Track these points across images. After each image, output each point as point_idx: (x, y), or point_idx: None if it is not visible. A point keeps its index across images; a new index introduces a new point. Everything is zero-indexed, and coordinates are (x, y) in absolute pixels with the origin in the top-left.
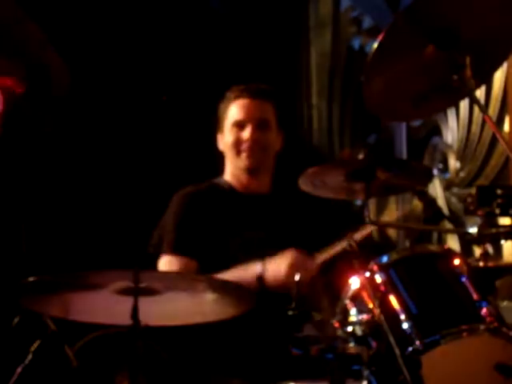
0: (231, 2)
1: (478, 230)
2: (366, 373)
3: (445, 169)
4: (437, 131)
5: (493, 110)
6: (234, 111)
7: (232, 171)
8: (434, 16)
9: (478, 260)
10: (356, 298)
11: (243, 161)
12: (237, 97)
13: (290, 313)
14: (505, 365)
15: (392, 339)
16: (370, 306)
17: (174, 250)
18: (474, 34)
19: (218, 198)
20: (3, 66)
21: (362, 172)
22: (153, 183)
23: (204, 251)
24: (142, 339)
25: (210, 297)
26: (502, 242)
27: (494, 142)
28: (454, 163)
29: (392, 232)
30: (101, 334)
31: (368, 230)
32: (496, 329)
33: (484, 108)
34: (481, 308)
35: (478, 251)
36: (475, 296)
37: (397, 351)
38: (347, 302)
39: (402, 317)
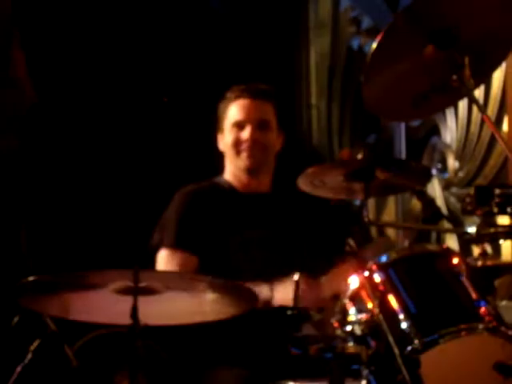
0: (231, 2)
1: (477, 230)
2: (365, 372)
3: (443, 169)
4: (436, 131)
5: (492, 109)
6: (233, 111)
7: (232, 171)
8: (433, 16)
9: (477, 259)
10: (355, 298)
11: (243, 161)
12: (237, 97)
13: (289, 312)
14: (504, 364)
15: (391, 338)
16: (369, 305)
17: (175, 245)
18: (473, 34)
19: (218, 197)
20: None
21: (361, 172)
22: (152, 183)
23: (204, 249)
24: (141, 339)
25: (209, 296)
26: (501, 241)
27: (492, 141)
28: (452, 163)
29: (391, 232)
30: (100, 334)
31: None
32: (495, 328)
33: (483, 108)
34: (479, 307)
35: (476, 251)
36: (474, 295)
37: (396, 350)
38: (346, 301)
39: (401, 316)
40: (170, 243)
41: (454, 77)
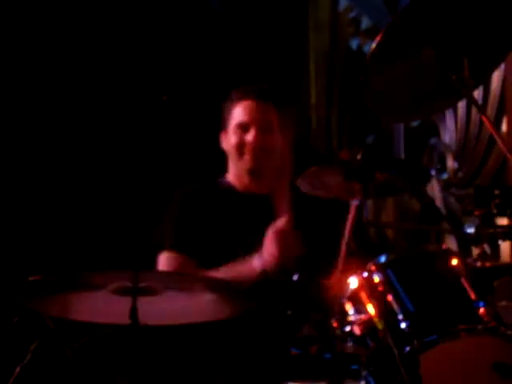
0: (230, 2)
1: (476, 230)
2: (364, 372)
3: (443, 169)
4: (435, 132)
5: (491, 110)
6: (238, 112)
7: (234, 171)
8: (432, 17)
9: (476, 260)
10: (354, 298)
11: (246, 163)
12: (242, 98)
13: (289, 312)
14: (503, 364)
15: (390, 339)
16: (368, 305)
17: (174, 247)
18: (472, 34)
19: (217, 198)
20: None
21: (359, 172)
22: (152, 183)
23: (203, 250)
24: (140, 339)
25: (208, 296)
26: (500, 242)
27: (491, 142)
28: (451, 163)
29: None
30: (100, 334)
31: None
32: (494, 328)
33: (482, 108)
34: (479, 308)
35: (475, 251)
36: (473, 296)
37: (395, 351)
38: (345, 301)
39: (400, 316)
40: (169, 245)
41: (454, 77)
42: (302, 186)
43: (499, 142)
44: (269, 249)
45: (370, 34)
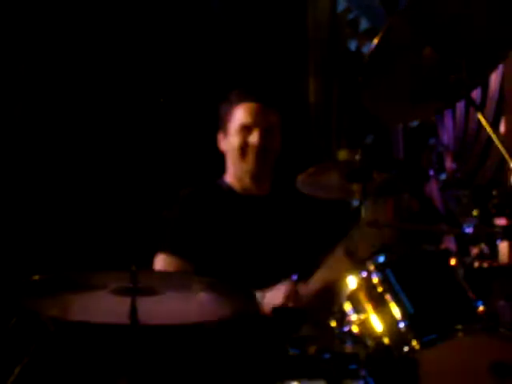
0: (230, 3)
1: (474, 231)
2: (362, 372)
3: (441, 169)
4: (434, 132)
5: (489, 110)
6: (240, 114)
7: (234, 173)
8: (431, 17)
9: (474, 260)
10: (353, 298)
11: (248, 165)
12: (243, 99)
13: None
14: (501, 364)
15: (389, 338)
16: (367, 305)
17: (171, 250)
18: (471, 35)
19: (216, 199)
20: None
21: (358, 173)
22: (152, 184)
23: (202, 251)
24: (140, 338)
25: (208, 296)
26: (498, 242)
27: (490, 142)
28: (450, 164)
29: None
30: (99, 334)
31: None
32: (492, 328)
33: (480, 109)
34: (477, 307)
35: (474, 251)
36: (471, 296)
37: (393, 350)
38: (344, 301)
39: (399, 316)
40: (167, 248)
41: (452, 78)
42: (302, 186)
43: (497, 142)
44: (273, 299)
45: (368, 36)
